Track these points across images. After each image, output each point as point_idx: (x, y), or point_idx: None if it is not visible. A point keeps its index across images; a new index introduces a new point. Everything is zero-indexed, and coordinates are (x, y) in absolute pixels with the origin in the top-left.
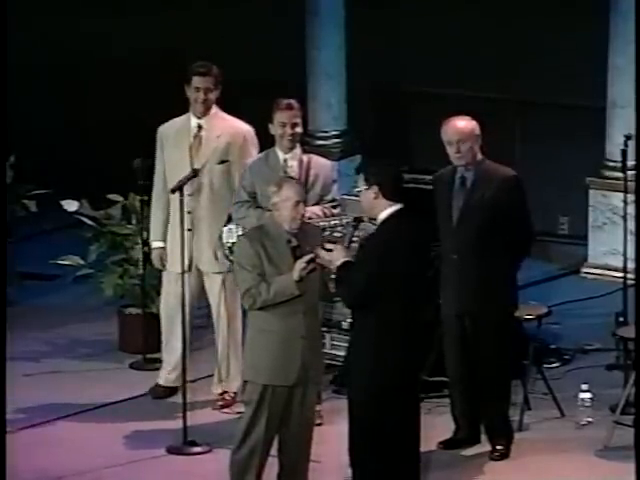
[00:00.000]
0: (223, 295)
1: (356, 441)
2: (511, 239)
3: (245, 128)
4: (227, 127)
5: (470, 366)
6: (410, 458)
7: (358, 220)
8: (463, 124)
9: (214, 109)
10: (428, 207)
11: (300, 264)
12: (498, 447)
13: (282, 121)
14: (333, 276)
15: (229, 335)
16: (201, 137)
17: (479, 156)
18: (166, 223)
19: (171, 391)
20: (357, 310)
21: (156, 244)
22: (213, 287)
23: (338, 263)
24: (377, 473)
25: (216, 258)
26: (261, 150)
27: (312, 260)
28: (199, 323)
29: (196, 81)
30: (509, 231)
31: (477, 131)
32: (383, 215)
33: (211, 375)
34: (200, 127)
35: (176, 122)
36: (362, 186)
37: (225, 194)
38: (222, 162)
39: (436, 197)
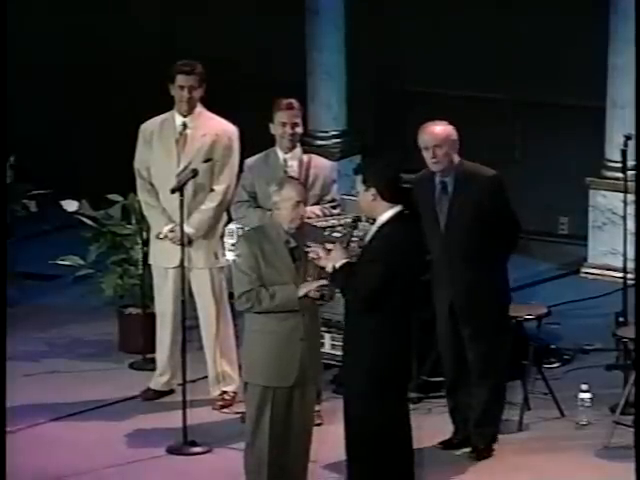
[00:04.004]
0: (211, 293)
1: (352, 439)
2: (500, 237)
3: (230, 128)
4: (212, 126)
5: (466, 366)
6: (405, 456)
7: (357, 220)
8: (439, 129)
9: (199, 108)
10: None
11: (310, 287)
12: (480, 446)
13: (282, 121)
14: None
15: (217, 335)
16: (186, 135)
17: (456, 159)
18: (164, 210)
19: (162, 395)
20: (362, 311)
21: (166, 227)
22: (199, 284)
23: (338, 265)
24: (373, 471)
25: (216, 257)
26: (260, 150)
27: (324, 286)
28: (198, 323)
29: (180, 79)
30: (497, 229)
31: (454, 136)
32: (384, 217)
33: None
34: (185, 125)
35: (160, 120)
36: (360, 188)
37: (208, 193)
38: (206, 161)
39: (419, 202)
